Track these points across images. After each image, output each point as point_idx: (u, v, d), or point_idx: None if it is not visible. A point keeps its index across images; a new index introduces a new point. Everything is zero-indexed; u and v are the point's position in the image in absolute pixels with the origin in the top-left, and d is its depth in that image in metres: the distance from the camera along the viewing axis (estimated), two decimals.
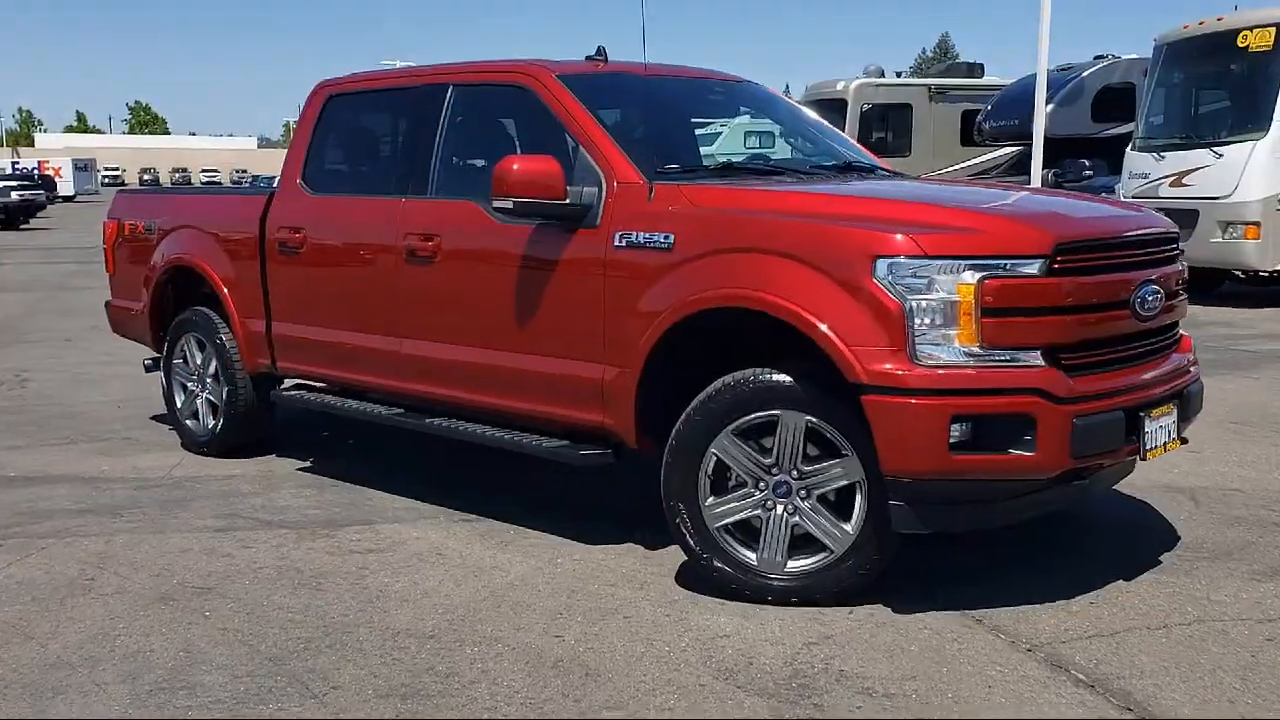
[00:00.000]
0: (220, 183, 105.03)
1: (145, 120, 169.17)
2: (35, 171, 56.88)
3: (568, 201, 4.44)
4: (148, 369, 7.12)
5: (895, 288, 3.67)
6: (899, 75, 27.29)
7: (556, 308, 4.58)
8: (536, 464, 5.34)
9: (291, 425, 7.00)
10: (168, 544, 4.94)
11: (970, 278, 3.64)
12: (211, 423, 6.53)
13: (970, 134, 22.21)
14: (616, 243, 4.35)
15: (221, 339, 6.34)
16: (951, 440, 3.63)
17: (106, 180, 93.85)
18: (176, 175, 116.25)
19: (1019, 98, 19.04)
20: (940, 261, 3.66)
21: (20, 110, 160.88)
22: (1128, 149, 15.29)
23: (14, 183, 39.32)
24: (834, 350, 3.72)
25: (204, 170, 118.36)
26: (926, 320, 3.65)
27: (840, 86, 23.29)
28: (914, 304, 3.65)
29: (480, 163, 5.36)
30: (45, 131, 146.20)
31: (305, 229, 5.72)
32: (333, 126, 5.94)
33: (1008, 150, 21.34)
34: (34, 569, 4.63)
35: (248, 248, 6.06)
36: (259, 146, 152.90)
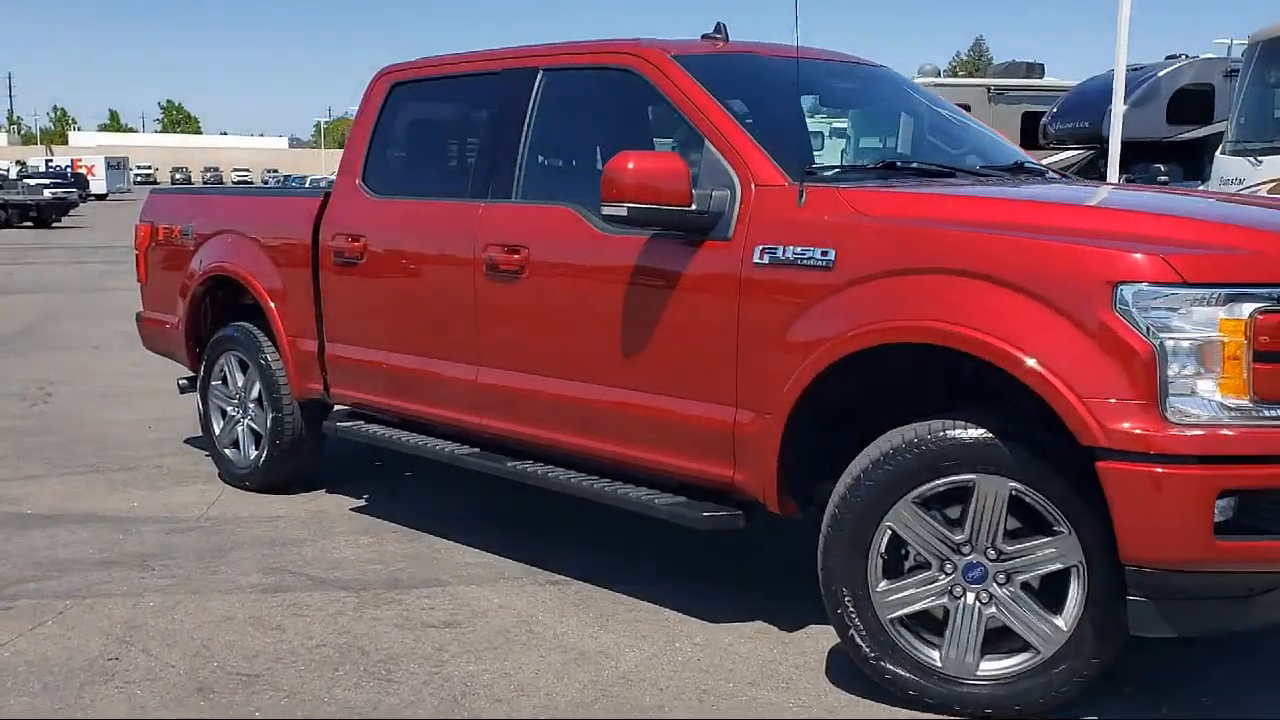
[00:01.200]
0: (251, 182, 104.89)
1: (178, 119, 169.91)
2: (68, 170, 56.70)
3: (694, 208, 3.65)
4: (182, 389, 6.38)
5: (1142, 323, 2.85)
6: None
7: (675, 336, 3.79)
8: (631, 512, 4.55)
9: (339, 454, 6.23)
10: (206, 609, 4.18)
11: (1241, 311, 2.82)
12: (254, 453, 5.78)
13: (1031, 136, 21.29)
14: (757, 259, 3.55)
15: (266, 359, 5.59)
16: (1217, 521, 2.81)
17: (139, 179, 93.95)
18: (208, 175, 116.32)
19: (1088, 99, 18.11)
20: (1201, 290, 2.85)
21: (55, 108, 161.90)
22: (1217, 152, 14.34)
23: (47, 181, 39.00)
24: (1060, 402, 2.90)
25: (235, 170, 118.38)
26: (1183, 366, 2.83)
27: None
28: (1167, 345, 2.84)
29: (576, 161, 4.58)
30: (79, 130, 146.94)
31: (365, 236, 4.95)
32: (398, 119, 5.17)
33: (1074, 154, 20.40)
34: (48, 643, 3.87)
35: (298, 257, 5.30)
36: (290, 146, 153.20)
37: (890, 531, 3.25)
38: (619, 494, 3.98)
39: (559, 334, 4.19)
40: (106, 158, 68.99)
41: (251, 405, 5.78)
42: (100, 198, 59.79)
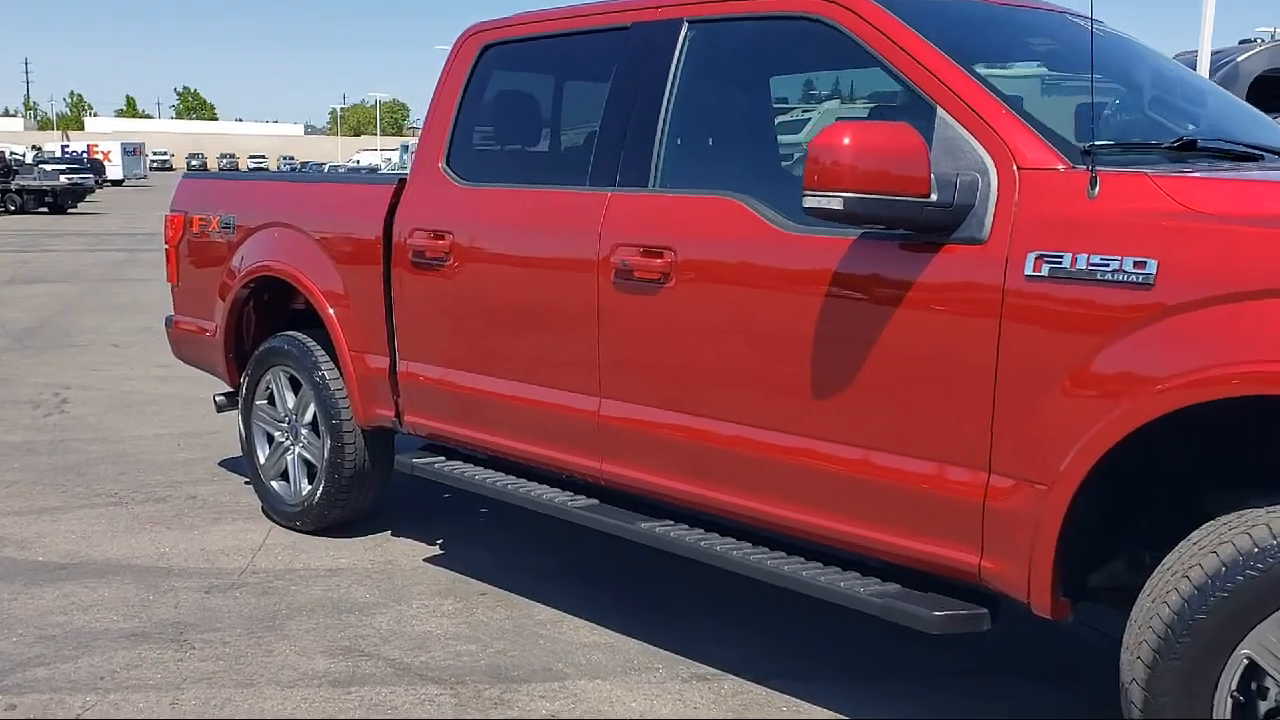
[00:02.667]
0: (266, 168, 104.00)
1: (193, 106, 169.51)
2: (84, 155, 55.95)
3: (934, 199, 2.69)
4: (219, 407, 5.45)
5: None
6: None
7: (894, 371, 2.85)
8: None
9: (400, 482, 5.30)
10: (263, 709, 3.25)
11: None
12: (306, 488, 4.85)
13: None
14: (1029, 269, 2.60)
15: (323, 377, 4.66)
16: None
17: (155, 165, 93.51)
18: (224, 161, 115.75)
19: None
20: None
21: (71, 94, 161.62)
22: None
23: (63, 166, 38.22)
24: None
25: (251, 156, 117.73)
26: None
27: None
28: None
29: (741, 139, 3.64)
30: (95, 116, 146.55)
31: (453, 233, 4.01)
32: (491, 89, 4.22)
33: None
34: None
35: (366, 256, 4.37)
36: (306, 133, 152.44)
37: (1248, 662, 2.29)
38: (809, 580, 3.03)
39: (715, 361, 3.25)
40: (123, 143, 68.35)
41: (304, 431, 4.86)
42: (116, 184, 59.12)
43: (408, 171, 4.43)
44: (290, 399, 4.91)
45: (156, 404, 7.67)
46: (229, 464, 6.05)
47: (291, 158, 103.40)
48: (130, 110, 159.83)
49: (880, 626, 3.08)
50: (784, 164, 3.73)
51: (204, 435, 6.75)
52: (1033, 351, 2.59)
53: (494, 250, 3.92)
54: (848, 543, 3.02)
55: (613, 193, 3.54)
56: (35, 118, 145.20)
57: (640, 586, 4.27)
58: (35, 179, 34.73)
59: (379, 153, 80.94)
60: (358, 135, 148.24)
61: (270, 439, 5.05)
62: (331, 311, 4.55)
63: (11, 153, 44.56)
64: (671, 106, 3.48)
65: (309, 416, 4.82)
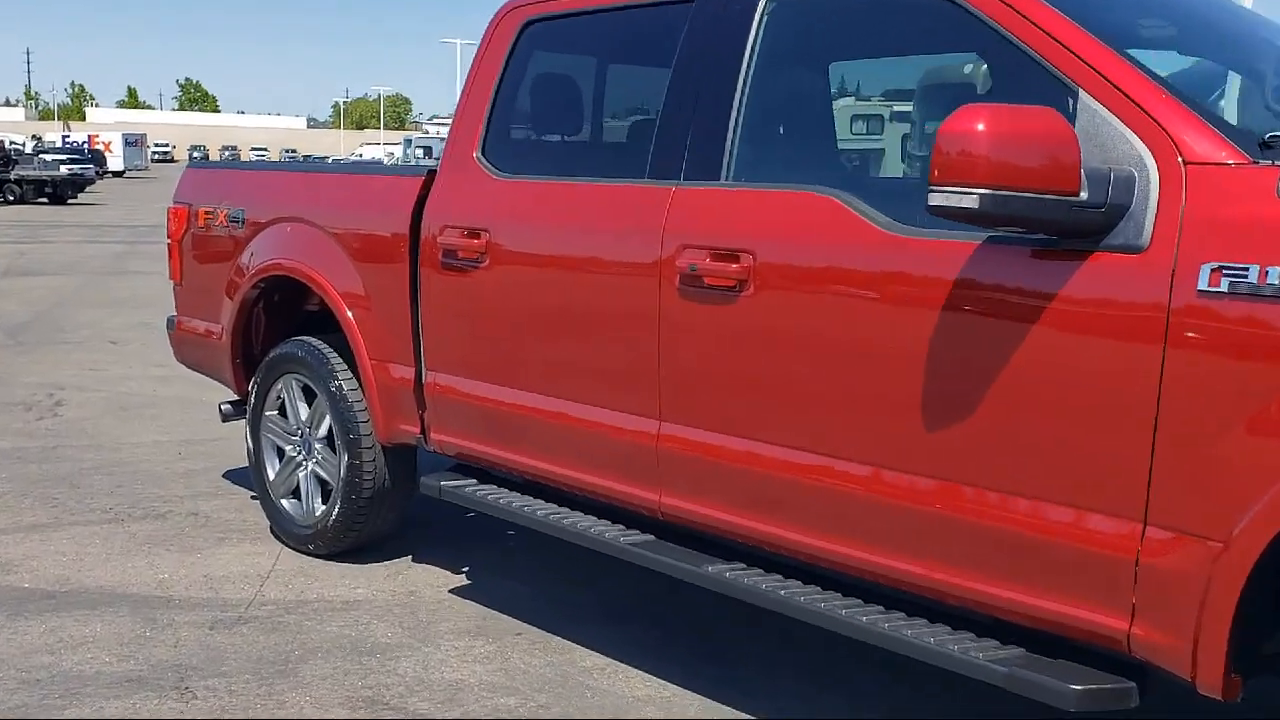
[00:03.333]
0: (264, 157, 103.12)
1: (195, 98, 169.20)
2: (85, 146, 55.51)
3: (1084, 197, 2.26)
4: (225, 417, 5.01)
5: None
6: None
7: (1022, 400, 2.42)
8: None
9: (418, 499, 4.88)
10: None
11: None
12: (320, 508, 4.43)
13: None
14: (1204, 284, 2.17)
15: (340, 387, 4.23)
16: None
17: (156, 156, 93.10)
18: (226, 153, 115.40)
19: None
20: None
21: (73, 84, 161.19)
22: None
23: (64, 156, 37.79)
24: None
25: (254, 149, 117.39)
26: None
27: (968, 69, 20.73)
28: None
29: (833, 128, 3.21)
30: (97, 106, 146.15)
31: (489, 231, 3.58)
32: (534, 70, 3.79)
33: None
34: None
35: (390, 255, 3.94)
36: (308, 126, 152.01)
37: None
38: (916, 641, 2.60)
39: (802, 383, 2.82)
40: (124, 134, 68.02)
41: (318, 446, 4.43)
42: (118, 175, 58.78)
43: (433, 162, 3.99)
44: (303, 410, 4.48)
45: (156, 407, 7.24)
46: (234, 476, 5.63)
47: (294, 150, 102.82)
48: (132, 101, 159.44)
49: (971, 686, 2.65)
50: (885, 155, 3.29)
51: (206, 442, 6.32)
52: (1207, 383, 2.16)
53: (536, 251, 3.49)
54: (959, 597, 2.60)
55: (677, 187, 3.11)
56: (36, 108, 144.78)
57: (700, 629, 3.85)
58: (35, 169, 34.33)
59: (382, 146, 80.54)
60: (360, 129, 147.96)
61: (281, 453, 4.63)
62: (350, 315, 4.13)
63: (11, 142, 44.15)
64: (748, 89, 3.04)
65: (324, 430, 4.39)
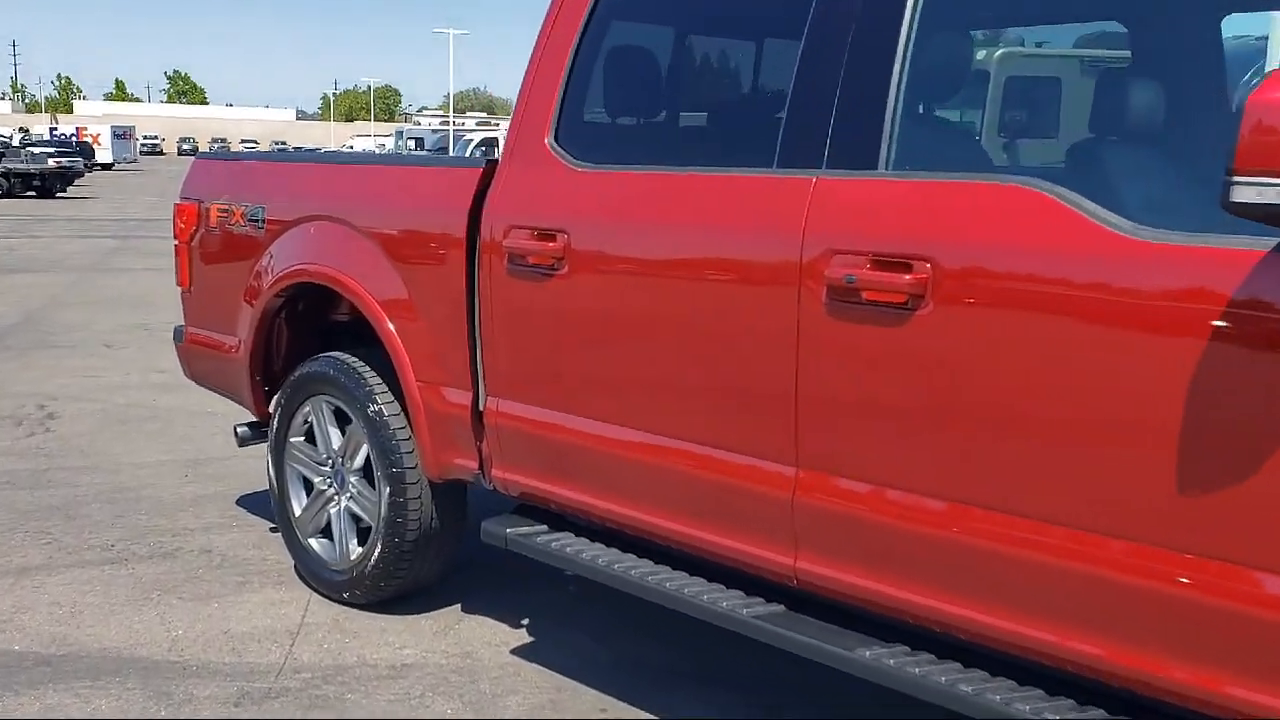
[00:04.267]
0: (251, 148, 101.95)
1: (183, 90, 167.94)
2: (73, 138, 54.67)
3: None
4: (242, 441, 4.43)
5: None
6: None
7: None
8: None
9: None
10: None
11: None
12: (357, 550, 3.84)
13: None
14: None
15: (380, 413, 3.64)
16: None
17: (145, 149, 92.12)
18: (215, 145, 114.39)
19: None
20: None
21: (60, 77, 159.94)
22: None
23: (51, 149, 37.02)
24: None
25: (243, 141, 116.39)
26: None
27: (980, 55, 20.14)
28: None
29: (1032, 105, 2.62)
30: (84, 99, 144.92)
31: (568, 232, 2.98)
32: (622, 40, 3.20)
33: None
34: None
35: (442, 261, 3.35)
36: (297, 118, 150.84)
37: None
38: None
39: (1001, 426, 2.23)
40: (113, 127, 67.05)
41: (354, 479, 3.84)
42: (106, 167, 57.87)
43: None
44: (335, 437, 3.89)
45: (158, 420, 6.64)
46: (249, 503, 5.04)
47: (283, 143, 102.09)
48: (120, 94, 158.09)
49: None
50: (1112, 140, 2.69)
51: (215, 462, 5.73)
52: None
53: (629, 256, 2.90)
54: (1183, 695, 2.02)
55: (819, 177, 2.51)
56: (23, 100, 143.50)
57: (814, 695, 3.26)
58: (23, 162, 33.55)
59: (372, 138, 79.79)
60: (350, 121, 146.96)
61: (308, 486, 4.03)
62: (392, 330, 3.53)
63: None
64: (909, 57, 2.45)
65: (360, 461, 3.80)
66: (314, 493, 4.00)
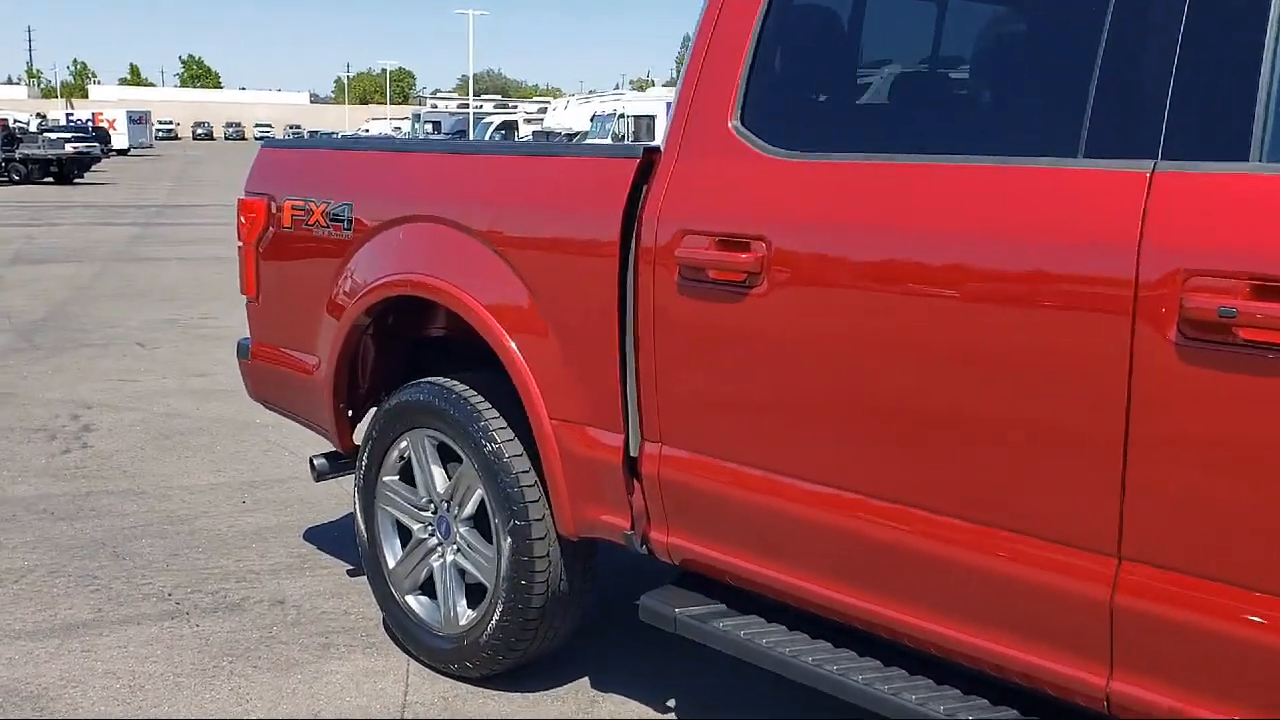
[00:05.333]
0: (272, 137, 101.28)
1: (198, 74, 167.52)
2: (89, 124, 54.16)
3: None
4: (319, 475, 3.82)
5: None
6: None
7: None
8: None
9: None
10: None
11: None
12: (467, 614, 3.23)
13: None
14: None
15: (498, 452, 3.02)
16: None
17: (160, 134, 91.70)
18: (230, 130, 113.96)
19: None
20: None
21: (75, 62, 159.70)
22: None
23: (68, 135, 36.49)
24: None
25: (258, 125, 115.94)
26: None
27: None
28: None
29: None
30: (99, 84, 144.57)
31: (769, 239, 2.35)
32: None
33: None
34: None
35: (587, 273, 2.72)
36: (311, 102, 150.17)
37: None
38: None
39: None
40: (128, 111, 66.53)
41: (463, 530, 3.22)
42: (122, 153, 57.40)
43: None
44: (440, 479, 3.27)
45: (204, 432, 6.04)
46: (319, 537, 4.44)
47: (298, 127, 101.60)
48: (134, 78, 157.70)
49: None
50: None
51: (273, 485, 5.13)
52: None
53: (861, 270, 2.25)
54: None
55: (1155, 171, 1.87)
56: (39, 86, 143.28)
57: None
58: (40, 148, 33.06)
59: (388, 121, 79.26)
60: (364, 104, 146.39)
61: (404, 533, 3.42)
62: (518, 354, 2.91)
63: (15, 120, 42.83)
64: None
65: (471, 508, 3.18)
66: (412, 542, 3.38)
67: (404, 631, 3.42)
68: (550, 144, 3.26)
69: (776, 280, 2.34)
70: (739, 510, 2.49)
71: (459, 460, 3.19)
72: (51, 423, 6.19)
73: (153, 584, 3.98)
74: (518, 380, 2.92)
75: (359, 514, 3.52)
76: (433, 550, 3.33)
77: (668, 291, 2.54)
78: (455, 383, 3.19)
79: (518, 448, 3.03)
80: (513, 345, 2.92)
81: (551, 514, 2.97)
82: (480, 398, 3.12)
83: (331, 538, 4.44)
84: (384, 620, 3.58)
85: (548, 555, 3.01)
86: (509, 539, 3.03)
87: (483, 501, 3.13)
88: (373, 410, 3.57)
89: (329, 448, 3.77)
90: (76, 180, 33.02)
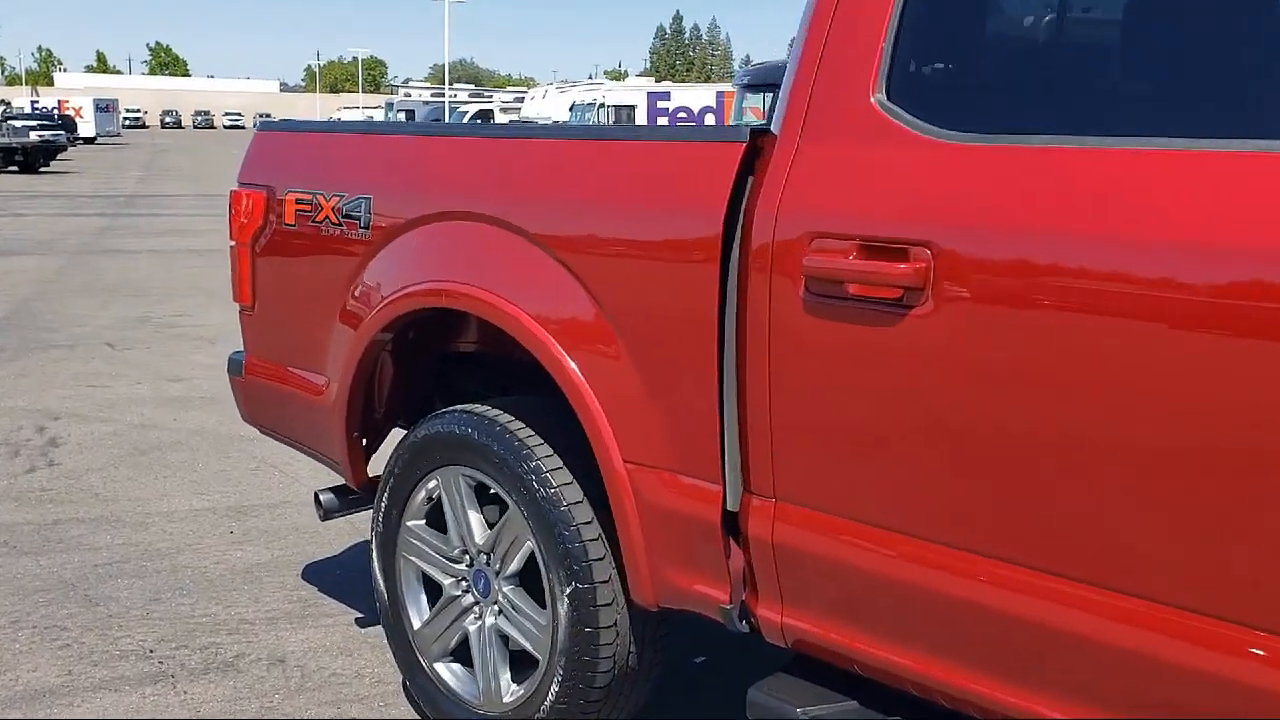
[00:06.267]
0: (243, 126, 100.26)
1: (166, 62, 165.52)
2: (55, 111, 52.94)
3: None
4: (326, 513, 3.27)
5: None
6: None
7: None
8: None
9: None
10: None
11: None
12: (512, 690, 2.70)
13: None
14: None
15: (555, 497, 2.49)
16: None
17: (128, 122, 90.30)
18: (198, 118, 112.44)
19: None
20: None
21: (40, 49, 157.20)
22: None
23: (33, 123, 35.50)
24: None
25: (227, 114, 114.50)
26: None
27: None
28: None
29: None
30: (65, 71, 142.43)
31: (933, 244, 1.84)
32: None
33: None
34: None
35: (675, 283, 2.20)
36: (281, 90, 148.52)
37: None
38: None
39: None
40: (95, 99, 65.33)
41: (507, 589, 2.69)
42: (89, 141, 56.36)
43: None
44: (478, 526, 2.74)
45: (183, 447, 5.48)
46: (319, 577, 3.90)
47: (268, 115, 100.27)
48: (101, 66, 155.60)
49: None
50: None
51: (262, 511, 4.58)
52: None
53: (1069, 287, 1.73)
54: None
55: None
56: (3, 73, 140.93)
57: None
58: (5, 136, 32.15)
59: (361, 110, 78.31)
60: (335, 92, 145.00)
61: (433, 589, 2.89)
62: (581, 377, 2.37)
63: None
64: None
65: (518, 563, 2.65)
66: (442, 600, 2.85)
67: (432, 704, 2.89)
68: (628, 127, 2.77)
69: (945, 297, 1.82)
70: (889, 589, 1.97)
71: (499, 502, 2.66)
72: (14, 435, 5.61)
73: (131, 638, 3.42)
74: (582, 412, 2.39)
75: (376, 564, 2.98)
76: (468, 610, 2.80)
77: (789, 308, 2.01)
78: (499, 412, 2.66)
79: (578, 493, 2.50)
80: (573, 367, 2.39)
81: (621, 576, 2.44)
82: (530, 431, 2.59)
83: (334, 578, 3.90)
84: (404, 685, 3.05)
85: (615, 625, 2.49)
86: (567, 603, 2.50)
87: (532, 556, 2.60)
88: (392, 436, 3.03)
89: (332, 475, 3.23)
90: (42, 169, 32.16)
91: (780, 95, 2.16)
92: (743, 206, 2.10)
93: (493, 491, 2.66)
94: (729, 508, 2.19)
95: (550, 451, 2.55)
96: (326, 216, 2.95)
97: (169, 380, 6.92)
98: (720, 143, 2.18)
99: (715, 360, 2.14)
